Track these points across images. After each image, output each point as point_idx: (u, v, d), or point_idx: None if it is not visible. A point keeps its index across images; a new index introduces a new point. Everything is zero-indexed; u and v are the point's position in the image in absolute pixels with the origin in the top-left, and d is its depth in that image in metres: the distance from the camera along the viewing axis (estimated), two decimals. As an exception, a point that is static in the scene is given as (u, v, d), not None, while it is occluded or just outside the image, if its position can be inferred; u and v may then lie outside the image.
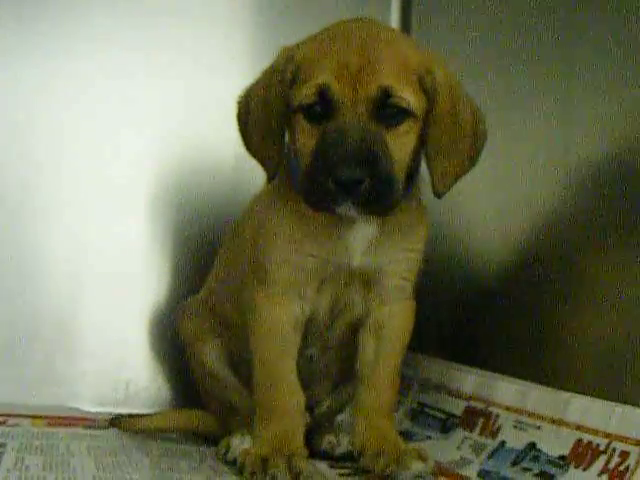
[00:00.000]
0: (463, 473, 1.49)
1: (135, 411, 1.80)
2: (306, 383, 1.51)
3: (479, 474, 1.47)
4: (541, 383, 1.53)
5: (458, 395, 1.68)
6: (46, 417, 1.75)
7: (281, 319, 1.46)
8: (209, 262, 1.74)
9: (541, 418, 1.46)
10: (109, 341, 1.90)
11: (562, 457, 1.38)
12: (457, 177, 1.42)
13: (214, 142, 1.97)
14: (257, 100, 1.44)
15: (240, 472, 1.39)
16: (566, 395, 1.45)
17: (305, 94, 1.35)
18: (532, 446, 1.44)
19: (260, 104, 1.43)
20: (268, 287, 1.46)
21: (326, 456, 1.58)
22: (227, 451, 1.53)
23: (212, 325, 1.65)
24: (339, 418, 1.69)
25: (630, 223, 1.44)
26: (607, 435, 1.34)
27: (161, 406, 1.92)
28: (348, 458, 1.54)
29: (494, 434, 1.53)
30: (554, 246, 1.62)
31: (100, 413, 1.81)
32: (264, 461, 1.36)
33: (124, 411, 1.81)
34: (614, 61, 1.51)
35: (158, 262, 1.95)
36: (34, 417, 1.74)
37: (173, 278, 1.95)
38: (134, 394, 1.92)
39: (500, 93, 1.77)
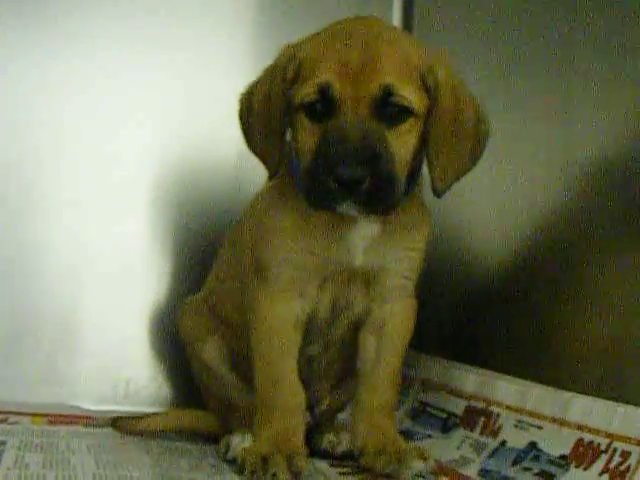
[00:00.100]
0: (464, 472, 1.49)
1: (135, 409, 1.80)
2: (307, 382, 1.51)
3: (480, 473, 1.47)
4: (542, 382, 1.53)
5: (459, 394, 1.68)
6: (46, 415, 1.75)
7: (282, 318, 1.46)
8: (210, 261, 1.74)
9: (542, 418, 1.46)
10: (110, 340, 1.91)
11: (563, 457, 1.38)
12: (458, 176, 1.41)
13: (215, 141, 1.97)
14: (259, 98, 1.44)
15: (240, 471, 1.39)
16: (567, 395, 1.45)
17: (306, 92, 1.35)
18: (533, 445, 1.44)
19: (262, 102, 1.43)
20: (269, 286, 1.46)
21: (326, 455, 1.58)
22: (227, 449, 1.53)
23: (212, 324, 1.65)
24: (340, 417, 1.69)
25: (631, 223, 1.44)
26: (608, 435, 1.34)
27: (161, 404, 1.92)
28: (348, 457, 1.54)
29: (495, 433, 1.53)
30: (555, 246, 1.62)
31: (100, 411, 1.81)
32: (264, 460, 1.36)
33: (124, 409, 1.81)
34: (614, 61, 1.51)
35: (158, 261, 1.95)
36: (34, 415, 1.74)
37: (173, 277, 1.95)
38: (134, 392, 1.92)
39: (501, 92, 1.77)
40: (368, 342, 1.51)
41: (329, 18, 1.44)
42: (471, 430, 1.59)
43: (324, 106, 1.34)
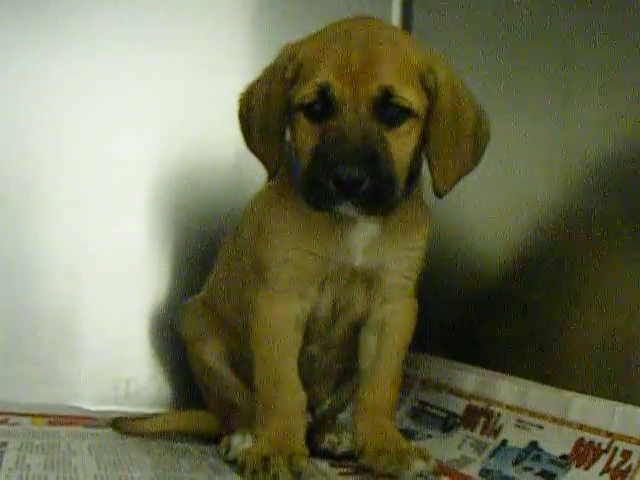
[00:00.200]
0: (464, 472, 1.49)
1: (136, 410, 1.81)
2: (307, 382, 1.51)
3: (480, 473, 1.47)
4: (543, 382, 1.53)
5: (459, 394, 1.68)
6: (47, 416, 1.75)
7: (282, 318, 1.46)
8: (210, 261, 1.74)
9: (543, 417, 1.46)
10: (110, 340, 1.91)
11: (564, 456, 1.38)
12: (458, 177, 1.41)
13: (215, 141, 1.97)
14: (258, 97, 1.44)
15: (241, 471, 1.38)
16: (568, 394, 1.45)
17: (306, 93, 1.35)
18: (534, 445, 1.44)
19: (261, 102, 1.43)
20: (269, 286, 1.46)
21: (327, 455, 1.58)
22: (228, 450, 1.53)
23: (213, 324, 1.65)
24: (340, 417, 1.69)
25: (631, 222, 1.44)
26: (609, 434, 1.34)
27: (162, 405, 1.92)
28: (349, 457, 1.54)
29: (495, 433, 1.53)
30: (556, 245, 1.62)
31: (101, 412, 1.81)
32: (265, 460, 1.35)
33: (125, 410, 1.81)
34: (614, 61, 1.51)
35: (159, 262, 1.96)
36: (35, 416, 1.74)
37: (173, 277, 1.95)
38: (135, 393, 1.92)
39: (501, 92, 1.77)
40: (369, 342, 1.51)
41: (329, 18, 1.43)
42: (472, 430, 1.59)
43: (323, 106, 1.34)
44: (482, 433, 1.56)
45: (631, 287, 1.44)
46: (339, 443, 1.59)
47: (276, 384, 1.45)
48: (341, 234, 1.43)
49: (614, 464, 1.30)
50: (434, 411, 1.72)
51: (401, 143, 1.35)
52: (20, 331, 1.87)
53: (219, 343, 1.64)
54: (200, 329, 1.66)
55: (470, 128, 1.40)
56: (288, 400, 1.45)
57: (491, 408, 1.58)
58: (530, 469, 1.41)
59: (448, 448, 1.59)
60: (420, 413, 1.76)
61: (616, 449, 1.31)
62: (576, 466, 1.35)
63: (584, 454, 1.35)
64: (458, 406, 1.66)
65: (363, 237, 1.43)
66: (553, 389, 1.49)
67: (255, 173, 1.54)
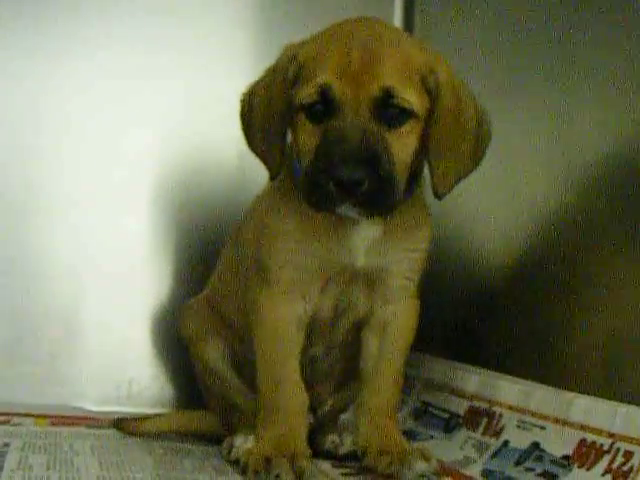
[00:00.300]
0: (466, 473, 1.49)
1: (138, 410, 1.81)
2: (310, 383, 1.51)
3: (482, 474, 1.47)
4: (545, 383, 1.53)
5: (461, 395, 1.68)
6: (49, 416, 1.75)
7: (284, 319, 1.46)
8: (212, 262, 1.74)
9: (545, 418, 1.46)
10: (112, 340, 1.91)
11: (566, 457, 1.38)
12: (459, 178, 1.41)
13: (217, 141, 1.97)
14: (260, 98, 1.44)
15: (243, 472, 1.39)
16: (570, 395, 1.45)
17: (307, 93, 1.35)
18: (536, 446, 1.44)
19: (263, 102, 1.43)
20: (271, 287, 1.46)
21: (329, 456, 1.58)
22: (230, 451, 1.53)
23: (215, 325, 1.65)
24: (342, 417, 1.69)
25: (633, 222, 1.44)
26: (611, 435, 1.34)
27: (164, 405, 1.92)
28: (351, 458, 1.54)
29: (497, 434, 1.53)
30: (557, 246, 1.62)
31: (103, 412, 1.82)
32: (267, 461, 1.36)
33: (127, 410, 1.81)
34: (616, 60, 1.51)
35: (161, 262, 1.96)
36: (37, 416, 1.75)
37: (176, 278, 1.95)
38: (137, 393, 1.92)
39: (502, 92, 1.77)
40: (371, 343, 1.51)
41: (330, 18, 1.43)
42: (474, 430, 1.59)
43: (324, 107, 1.34)
44: (484, 434, 1.56)
45: (633, 287, 1.44)
46: (341, 444, 1.59)
47: (278, 385, 1.45)
48: (343, 235, 1.43)
49: (616, 465, 1.30)
50: (436, 412, 1.72)
51: (402, 144, 1.34)
52: (22, 331, 1.87)
53: (221, 343, 1.64)
54: (202, 329, 1.66)
55: (471, 129, 1.39)
56: (290, 401, 1.45)
57: (493, 409, 1.58)
58: (532, 470, 1.41)
59: (450, 449, 1.59)
60: (422, 414, 1.76)
61: (618, 450, 1.31)
62: (578, 467, 1.35)
63: (586, 455, 1.35)
64: (460, 407, 1.66)
65: (365, 238, 1.43)
66: (555, 390, 1.49)
67: (258, 173, 1.53)
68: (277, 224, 1.45)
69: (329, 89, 1.33)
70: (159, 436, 1.67)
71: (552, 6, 1.66)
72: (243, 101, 1.48)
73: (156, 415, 1.75)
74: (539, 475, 1.39)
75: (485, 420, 1.58)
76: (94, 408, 1.86)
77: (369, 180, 1.29)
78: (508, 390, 1.57)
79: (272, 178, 1.45)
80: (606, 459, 1.32)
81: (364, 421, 1.49)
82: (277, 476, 1.34)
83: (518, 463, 1.44)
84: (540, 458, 1.42)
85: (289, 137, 1.44)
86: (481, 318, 1.81)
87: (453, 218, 1.88)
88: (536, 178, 1.68)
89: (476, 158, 1.41)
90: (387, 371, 1.50)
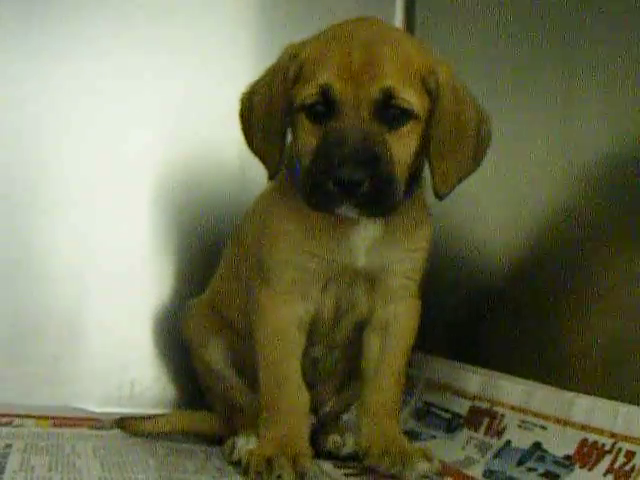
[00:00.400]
0: (468, 473, 1.49)
1: (140, 411, 1.80)
2: (311, 383, 1.51)
3: (484, 474, 1.47)
4: (546, 383, 1.53)
5: (463, 395, 1.68)
6: (51, 417, 1.75)
7: (285, 319, 1.46)
8: (214, 262, 1.74)
9: (546, 418, 1.46)
10: (114, 341, 1.91)
11: (567, 457, 1.38)
12: (459, 179, 1.41)
13: (218, 142, 1.97)
14: (260, 97, 1.44)
15: (245, 472, 1.39)
16: (571, 395, 1.45)
17: (307, 93, 1.35)
18: (537, 446, 1.44)
19: (263, 102, 1.43)
20: (272, 287, 1.46)
21: (331, 456, 1.58)
22: (232, 451, 1.52)
23: (216, 325, 1.65)
24: (344, 418, 1.69)
25: (633, 222, 1.44)
26: (612, 435, 1.34)
27: (166, 405, 1.92)
28: (353, 458, 1.54)
29: (499, 434, 1.53)
30: (558, 246, 1.62)
31: (105, 413, 1.81)
32: (269, 461, 1.36)
33: (129, 411, 1.81)
34: (616, 60, 1.51)
35: (163, 263, 1.95)
36: (39, 418, 1.74)
37: (177, 278, 1.95)
38: (139, 394, 1.92)
39: (503, 92, 1.77)
40: (372, 343, 1.51)
41: (331, 19, 1.44)
42: (475, 430, 1.59)
43: (325, 107, 1.34)
44: (486, 434, 1.56)
45: (634, 287, 1.43)
46: (343, 444, 1.59)
47: (280, 385, 1.45)
48: (343, 235, 1.43)
49: (618, 465, 1.30)
50: (438, 412, 1.72)
51: (402, 145, 1.35)
52: (24, 332, 1.87)
53: (222, 344, 1.64)
54: (203, 330, 1.66)
55: (471, 130, 1.39)
56: (292, 401, 1.45)
57: (495, 409, 1.58)
58: (534, 470, 1.41)
59: (452, 449, 1.59)
60: (424, 414, 1.76)
61: (620, 450, 1.31)
62: (580, 467, 1.35)
63: (588, 455, 1.35)
64: (462, 407, 1.66)
65: (365, 238, 1.43)
66: (557, 390, 1.49)
67: (258, 174, 1.53)
68: (277, 224, 1.45)
69: (330, 89, 1.33)
70: (161, 437, 1.67)
71: (552, 6, 1.66)
72: (243, 100, 1.48)
73: (158, 415, 1.74)
74: (541, 475, 1.39)
75: (487, 420, 1.58)
76: (96, 409, 1.86)
77: (369, 181, 1.29)
78: (510, 390, 1.57)
79: (270, 177, 1.45)
80: (608, 459, 1.32)
81: (366, 421, 1.49)
82: (279, 477, 1.34)
83: (520, 463, 1.44)
84: (542, 458, 1.42)
85: (289, 137, 1.44)
86: (482, 318, 1.81)
87: (454, 218, 1.88)
88: (536, 178, 1.68)
89: (476, 158, 1.41)
90: (389, 371, 1.50)
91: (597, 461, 1.33)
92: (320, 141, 1.34)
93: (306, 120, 1.37)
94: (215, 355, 1.64)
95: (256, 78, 1.47)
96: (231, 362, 1.63)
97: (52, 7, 1.89)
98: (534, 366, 1.61)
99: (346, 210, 1.33)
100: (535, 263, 1.68)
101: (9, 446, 1.51)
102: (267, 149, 1.43)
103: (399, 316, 1.50)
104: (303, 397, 1.46)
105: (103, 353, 1.90)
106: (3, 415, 1.73)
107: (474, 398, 1.65)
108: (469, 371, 1.70)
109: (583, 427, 1.39)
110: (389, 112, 1.33)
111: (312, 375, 1.54)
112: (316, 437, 1.56)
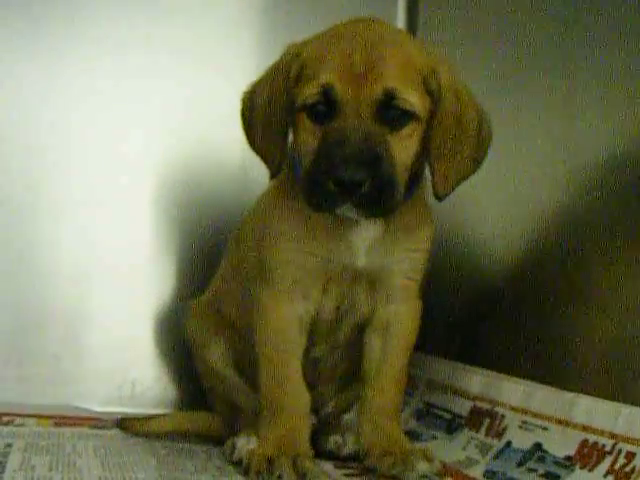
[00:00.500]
0: (469, 473, 1.49)
1: (141, 411, 1.80)
2: (312, 383, 1.52)
3: (485, 474, 1.47)
4: (547, 383, 1.53)
5: (464, 395, 1.67)
6: (52, 417, 1.75)
7: (286, 319, 1.46)
8: (215, 262, 1.74)
9: (547, 419, 1.46)
10: (115, 341, 1.91)
11: (568, 458, 1.38)
12: (459, 180, 1.41)
13: (220, 142, 1.97)
14: (262, 97, 1.44)
15: (246, 472, 1.39)
16: (572, 395, 1.45)
17: (309, 93, 1.35)
18: (538, 447, 1.44)
19: (264, 101, 1.43)
20: (272, 287, 1.46)
21: (332, 456, 1.58)
22: (233, 451, 1.52)
23: (217, 325, 1.66)
24: (345, 418, 1.68)
25: (634, 222, 1.44)
26: (613, 436, 1.34)
27: (167, 405, 1.92)
28: (354, 458, 1.54)
29: (500, 434, 1.53)
30: (559, 246, 1.62)
31: (106, 413, 1.82)
32: (270, 461, 1.36)
33: (130, 410, 1.81)
34: (616, 60, 1.50)
35: (164, 262, 1.96)
36: (40, 417, 1.75)
37: (179, 278, 1.96)
38: (140, 394, 1.92)
39: (504, 92, 1.77)
40: (373, 343, 1.51)
41: (334, 19, 1.44)
42: (476, 431, 1.59)
43: (326, 107, 1.35)
44: (487, 434, 1.56)
45: (635, 287, 1.43)
46: (344, 444, 1.59)
47: (280, 385, 1.45)
48: (343, 235, 1.43)
49: (618, 465, 1.30)
50: (439, 412, 1.72)
51: (403, 146, 1.35)
52: (26, 332, 1.87)
53: (224, 344, 1.64)
54: (204, 330, 1.66)
55: (472, 131, 1.39)
56: (292, 401, 1.45)
57: (495, 409, 1.58)
58: (534, 470, 1.41)
59: (453, 449, 1.59)
60: (425, 414, 1.75)
61: (620, 451, 1.31)
62: (580, 467, 1.35)
63: (588, 455, 1.35)
64: (463, 407, 1.66)
65: (365, 238, 1.43)
66: (557, 390, 1.49)
67: (260, 174, 1.53)
68: (278, 224, 1.45)
69: (331, 89, 1.33)
70: (162, 437, 1.67)
71: (552, 7, 1.66)
72: (244, 99, 1.48)
73: (159, 415, 1.75)
74: (541, 476, 1.39)
75: (488, 421, 1.58)
76: (97, 408, 1.86)
77: (370, 181, 1.29)
78: (511, 391, 1.57)
79: (272, 177, 1.45)
80: (608, 460, 1.32)
81: (367, 422, 1.49)
82: (279, 477, 1.34)
83: (520, 464, 1.44)
84: (542, 459, 1.42)
85: (290, 137, 1.44)
86: (483, 319, 1.81)
87: (454, 218, 1.87)
88: (537, 178, 1.68)
89: (477, 160, 1.41)
90: (390, 371, 1.50)
91: (598, 462, 1.33)
92: (321, 141, 1.34)
93: (307, 120, 1.37)
94: (216, 355, 1.64)
95: (258, 77, 1.47)
96: (232, 362, 1.63)
97: (55, 8, 1.90)
98: (535, 366, 1.61)
99: (346, 210, 1.33)
100: (535, 263, 1.68)
101: (9, 445, 1.52)
102: (268, 148, 1.43)
103: (400, 316, 1.50)
104: (304, 397, 1.46)
105: (104, 353, 1.90)
106: (4, 414, 1.73)
107: (475, 399, 1.65)
108: (470, 372, 1.70)
109: (584, 428, 1.39)
110: (390, 113, 1.33)
111: (313, 375, 1.54)
112: (317, 437, 1.56)
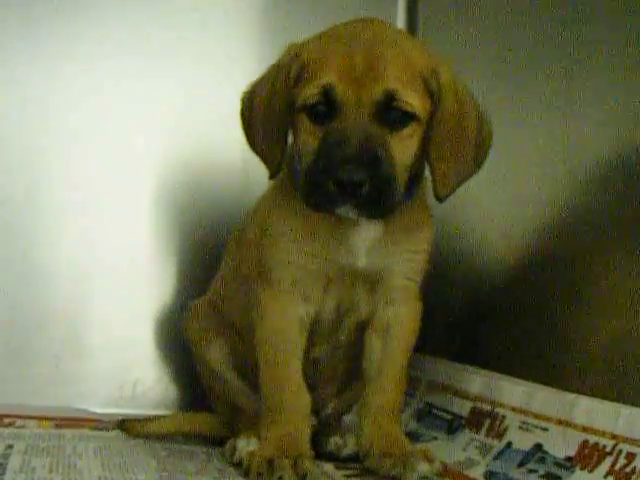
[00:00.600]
0: (469, 474, 1.49)
1: (142, 412, 1.80)
2: (313, 384, 1.51)
3: (485, 475, 1.47)
4: (547, 384, 1.53)
5: (464, 396, 1.67)
6: (53, 418, 1.75)
7: (286, 319, 1.46)
8: (216, 263, 1.74)
9: (547, 419, 1.46)
10: (116, 342, 1.90)
11: (568, 458, 1.38)
12: (460, 181, 1.41)
13: (220, 143, 1.97)
14: (261, 97, 1.44)
15: (246, 474, 1.39)
16: (572, 396, 1.45)
17: (309, 94, 1.35)
18: (538, 447, 1.44)
19: (264, 101, 1.43)
20: (273, 288, 1.46)
21: (332, 457, 1.58)
22: (233, 452, 1.52)
23: (218, 326, 1.66)
24: (345, 419, 1.69)
25: (636, 222, 1.44)
26: (613, 436, 1.34)
27: (168, 406, 1.92)
28: (354, 459, 1.54)
29: (500, 435, 1.53)
30: (559, 246, 1.62)
31: (107, 414, 1.81)
32: (270, 462, 1.36)
33: (131, 411, 1.81)
34: (616, 60, 1.50)
35: (165, 264, 1.95)
36: (41, 418, 1.74)
37: (179, 279, 1.95)
38: (141, 394, 1.92)
39: (504, 92, 1.77)
40: (374, 344, 1.51)
41: (333, 19, 1.43)
42: (477, 432, 1.59)
43: (326, 108, 1.34)
44: (487, 435, 1.56)
45: (636, 288, 1.43)
46: (344, 445, 1.59)
47: (281, 386, 1.45)
48: (343, 236, 1.43)
49: (618, 466, 1.30)
50: (439, 413, 1.72)
51: (403, 147, 1.34)
52: (26, 333, 1.87)
53: (224, 345, 1.64)
54: (205, 331, 1.66)
55: (472, 132, 1.39)
56: (293, 402, 1.45)
57: (496, 410, 1.58)
58: (535, 471, 1.41)
59: (453, 450, 1.59)
60: (425, 415, 1.75)
61: (620, 451, 1.31)
62: (580, 468, 1.35)
63: (588, 456, 1.35)
64: (463, 408, 1.66)
65: (365, 239, 1.43)
66: (558, 391, 1.49)
67: (261, 174, 1.52)
68: (278, 225, 1.45)
69: (332, 90, 1.33)
70: (162, 438, 1.67)
71: (553, 7, 1.66)
72: (244, 99, 1.48)
73: (160, 416, 1.75)
74: (542, 477, 1.39)
75: (488, 421, 1.58)
76: (98, 410, 1.86)
77: (370, 182, 1.29)
78: (511, 391, 1.57)
79: (271, 177, 1.45)
80: (609, 461, 1.32)
81: (367, 422, 1.49)
82: (280, 478, 1.34)
83: (521, 465, 1.44)
84: (543, 460, 1.42)
85: (290, 137, 1.43)
86: (483, 319, 1.81)
87: (455, 219, 1.87)
88: (537, 178, 1.68)
89: (477, 162, 1.41)
90: (390, 372, 1.50)
91: (598, 463, 1.33)
92: (321, 141, 1.34)
93: (307, 120, 1.37)
94: (216, 356, 1.64)
95: (258, 77, 1.47)
96: (232, 363, 1.63)
97: (55, 9, 1.89)
98: (535, 367, 1.61)
99: (346, 211, 1.33)
100: (535, 263, 1.67)
101: (10, 447, 1.51)
102: (268, 149, 1.43)
103: (400, 317, 1.50)
104: (304, 398, 1.46)
105: (105, 354, 1.90)
106: (5, 416, 1.73)
107: (475, 399, 1.65)
108: (470, 372, 1.70)
109: (584, 428, 1.39)
110: (390, 114, 1.33)
111: (313, 376, 1.54)
112: (317, 438, 1.56)
